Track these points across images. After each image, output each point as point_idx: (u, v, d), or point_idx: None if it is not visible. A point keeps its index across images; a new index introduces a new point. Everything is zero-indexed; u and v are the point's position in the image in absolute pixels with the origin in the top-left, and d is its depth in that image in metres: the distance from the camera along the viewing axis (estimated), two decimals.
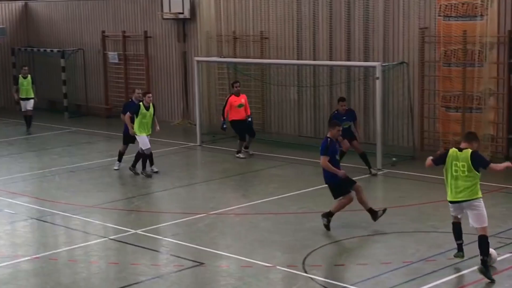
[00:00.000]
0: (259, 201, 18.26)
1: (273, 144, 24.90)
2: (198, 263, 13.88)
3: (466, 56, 21.97)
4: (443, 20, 22.34)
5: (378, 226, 15.88)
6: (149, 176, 20.83)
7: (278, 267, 13.54)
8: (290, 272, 13.30)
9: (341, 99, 21.10)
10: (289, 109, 26.51)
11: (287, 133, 26.50)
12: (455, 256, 13.46)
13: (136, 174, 21.11)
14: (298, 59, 25.90)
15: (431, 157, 13.43)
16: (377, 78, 21.40)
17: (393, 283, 12.62)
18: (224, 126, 23.24)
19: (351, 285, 12.56)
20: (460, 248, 13.50)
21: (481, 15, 21.54)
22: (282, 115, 26.74)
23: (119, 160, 21.89)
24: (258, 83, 27.15)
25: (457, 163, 12.87)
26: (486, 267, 12.56)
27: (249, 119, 23.51)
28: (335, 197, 15.93)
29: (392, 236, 15.28)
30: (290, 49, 26.19)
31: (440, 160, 13.17)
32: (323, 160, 15.55)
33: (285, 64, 25.88)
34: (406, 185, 19.54)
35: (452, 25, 22.16)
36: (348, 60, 24.71)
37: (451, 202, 13.17)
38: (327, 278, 12.94)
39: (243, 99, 23.31)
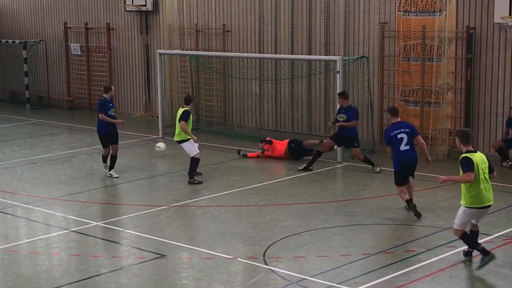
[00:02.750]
0: (221, 193, 18.37)
1: (235, 137, 25.01)
2: (159, 255, 13.96)
3: (425, 51, 22.26)
4: (403, 15, 22.60)
5: (337, 219, 16.10)
6: (200, 182, 19.41)
7: (239, 259, 13.67)
8: (251, 264, 13.43)
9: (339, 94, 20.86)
10: (251, 102, 26.65)
11: (249, 126, 26.63)
12: (467, 261, 13.26)
13: (199, 182, 19.41)
14: (259, 53, 26.02)
15: (471, 173, 12.60)
16: (338, 72, 21.61)
17: (352, 275, 12.80)
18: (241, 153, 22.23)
19: (311, 277, 12.71)
20: (469, 253, 13.28)
21: (440, 11, 21.82)
22: (243, 108, 26.86)
23: (105, 162, 20.43)
24: (220, 76, 27.25)
25: (482, 166, 12.78)
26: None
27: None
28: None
29: (351, 229, 15.46)
30: (252, 43, 26.32)
31: (473, 169, 12.66)
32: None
33: (247, 57, 25.99)
34: (365, 178, 19.75)
35: (411, 20, 22.43)
36: (309, 53, 24.89)
37: (486, 206, 12.88)
38: (287, 270, 13.06)
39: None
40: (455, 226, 13.06)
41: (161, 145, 21.85)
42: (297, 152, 21.72)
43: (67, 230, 15.70)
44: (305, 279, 12.65)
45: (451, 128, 22.21)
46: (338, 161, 21.28)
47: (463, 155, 12.79)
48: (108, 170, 20.19)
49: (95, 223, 16.07)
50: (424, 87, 22.34)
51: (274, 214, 16.48)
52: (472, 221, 13.03)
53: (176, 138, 19.84)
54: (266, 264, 13.37)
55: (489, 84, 21.70)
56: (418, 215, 15.87)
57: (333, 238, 14.89)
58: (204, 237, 15.07)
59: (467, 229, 13.08)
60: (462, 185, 12.85)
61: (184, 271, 13.25)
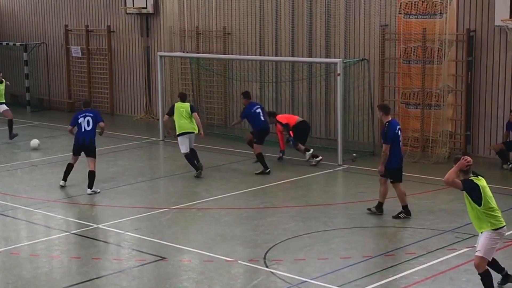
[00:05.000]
0: (221, 195, 18.37)
1: (235, 139, 25.00)
2: (160, 258, 13.96)
3: (425, 54, 22.26)
4: (403, 18, 22.60)
5: (338, 221, 16.11)
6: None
7: (239, 261, 13.67)
8: (251, 266, 13.44)
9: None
10: None
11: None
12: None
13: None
14: (260, 55, 26.01)
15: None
16: (338, 74, 21.61)
17: (353, 278, 12.79)
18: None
19: (312, 279, 12.72)
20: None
21: (441, 13, 21.83)
22: None
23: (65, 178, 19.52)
24: (220, 79, 27.25)
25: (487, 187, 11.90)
26: None
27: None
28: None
29: (352, 231, 15.47)
30: (253, 45, 26.32)
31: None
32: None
33: (248, 60, 26.00)
34: (366, 180, 19.71)
35: (412, 23, 22.43)
36: (310, 56, 24.89)
37: (504, 225, 11.91)
38: (288, 273, 13.06)
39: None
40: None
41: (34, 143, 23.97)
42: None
43: (68, 233, 15.71)
44: (306, 281, 12.65)
45: (451, 131, 22.23)
46: (339, 163, 21.29)
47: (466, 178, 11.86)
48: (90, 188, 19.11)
49: (95, 226, 16.08)
50: (425, 89, 22.34)
51: (275, 217, 16.48)
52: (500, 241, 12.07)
53: (191, 130, 20.35)
54: (266, 267, 13.38)
55: (489, 87, 21.70)
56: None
57: (334, 241, 14.89)
58: (204, 239, 15.08)
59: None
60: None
61: (184, 274, 13.25)
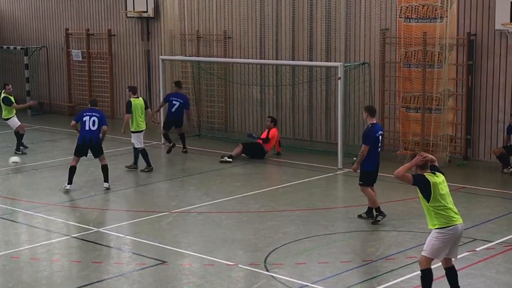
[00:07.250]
0: (222, 199, 18.37)
1: (236, 143, 24.99)
2: (160, 262, 13.97)
3: (426, 57, 22.26)
4: (404, 22, 22.59)
5: (339, 225, 16.11)
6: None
7: (240, 265, 13.67)
8: (252, 270, 13.43)
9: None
10: (252, 107, 26.66)
11: (250, 132, 26.62)
12: None
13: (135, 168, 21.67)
14: (260, 59, 26.04)
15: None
16: (339, 78, 21.63)
17: (354, 282, 12.80)
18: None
19: (312, 283, 12.71)
20: None
21: (441, 17, 21.83)
22: (244, 114, 26.87)
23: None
24: (221, 82, 27.27)
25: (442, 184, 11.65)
26: None
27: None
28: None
29: (352, 235, 15.48)
30: (253, 49, 26.33)
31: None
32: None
33: (248, 63, 26.01)
34: None
35: (412, 27, 22.43)
36: (310, 60, 24.90)
37: (457, 224, 11.58)
38: (289, 277, 13.06)
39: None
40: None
41: (15, 159, 22.18)
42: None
43: (68, 236, 15.71)
44: (306, 285, 12.65)
45: (452, 135, 22.23)
46: (339, 167, 21.29)
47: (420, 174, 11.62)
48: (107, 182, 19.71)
49: (96, 229, 16.07)
50: (425, 93, 22.33)
51: (275, 220, 16.48)
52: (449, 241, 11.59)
53: (145, 127, 21.59)
54: (267, 271, 13.37)
55: (490, 91, 21.71)
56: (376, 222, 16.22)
57: (335, 245, 14.89)
58: (205, 243, 15.07)
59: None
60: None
61: (185, 278, 13.25)
